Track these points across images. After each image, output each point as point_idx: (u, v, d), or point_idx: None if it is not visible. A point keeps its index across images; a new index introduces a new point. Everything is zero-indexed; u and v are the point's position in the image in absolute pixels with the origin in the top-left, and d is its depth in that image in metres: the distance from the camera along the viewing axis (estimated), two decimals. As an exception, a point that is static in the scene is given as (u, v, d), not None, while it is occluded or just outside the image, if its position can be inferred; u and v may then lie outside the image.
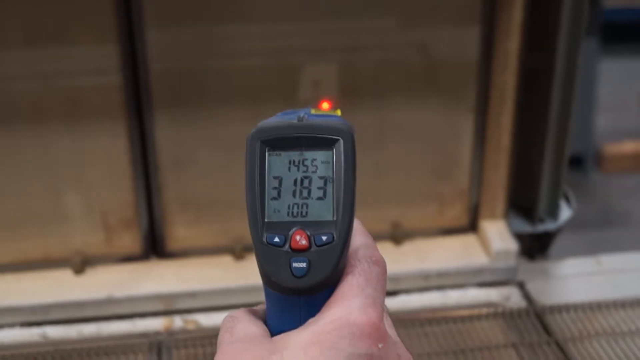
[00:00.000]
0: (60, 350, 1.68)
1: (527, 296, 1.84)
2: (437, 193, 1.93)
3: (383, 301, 0.68)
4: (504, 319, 1.77)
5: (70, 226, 1.84)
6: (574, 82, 1.83)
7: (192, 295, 1.81)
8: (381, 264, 0.69)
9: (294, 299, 0.65)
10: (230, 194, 1.85)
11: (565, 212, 2.02)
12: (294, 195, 0.67)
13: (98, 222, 1.85)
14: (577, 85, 1.84)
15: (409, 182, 1.92)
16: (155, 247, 1.89)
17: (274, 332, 0.68)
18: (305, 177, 0.67)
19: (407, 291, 1.86)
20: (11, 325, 1.75)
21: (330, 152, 0.67)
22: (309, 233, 0.65)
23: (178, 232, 1.88)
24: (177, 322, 1.79)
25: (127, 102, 1.76)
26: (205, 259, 1.88)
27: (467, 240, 1.95)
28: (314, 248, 0.64)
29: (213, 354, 1.69)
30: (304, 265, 0.64)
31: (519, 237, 1.93)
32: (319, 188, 0.67)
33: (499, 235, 1.89)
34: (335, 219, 0.66)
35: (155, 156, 1.80)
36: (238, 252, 1.88)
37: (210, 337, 1.72)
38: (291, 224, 0.65)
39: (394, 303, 1.83)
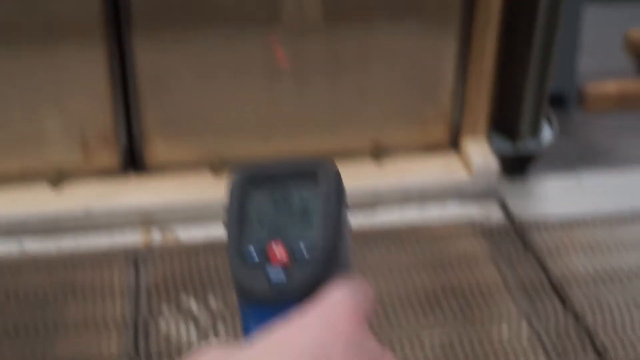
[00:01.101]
0: (38, 262, 1.67)
1: (506, 212, 1.83)
2: (420, 113, 1.92)
3: (364, 309, 0.64)
4: (483, 235, 1.77)
5: (49, 145, 1.82)
6: (560, 2, 1.82)
7: (171, 209, 1.80)
8: (367, 287, 0.66)
9: (270, 312, 0.61)
10: (209, 111, 1.83)
11: (547, 134, 2.01)
12: (276, 222, 0.63)
13: (76, 141, 1.83)
14: (563, 5, 1.82)
15: (391, 103, 1.90)
16: (133, 162, 1.87)
17: None
18: (288, 207, 0.63)
19: (388, 207, 1.85)
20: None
21: (314, 186, 0.63)
22: (288, 248, 0.61)
23: (157, 148, 1.86)
24: (156, 236, 1.77)
25: (106, 21, 1.73)
26: (183, 174, 1.86)
27: (448, 158, 1.94)
28: (293, 263, 0.61)
29: (190, 267, 1.68)
30: (281, 276, 0.60)
31: (501, 157, 1.92)
32: (302, 217, 0.63)
33: (480, 153, 1.88)
34: (318, 239, 0.61)
35: (134, 75, 1.77)
36: (217, 168, 1.87)
37: (187, 250, 1.72)
38: (270, 242, 0.62)
39: (374, 219, 1.83)
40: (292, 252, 0.61)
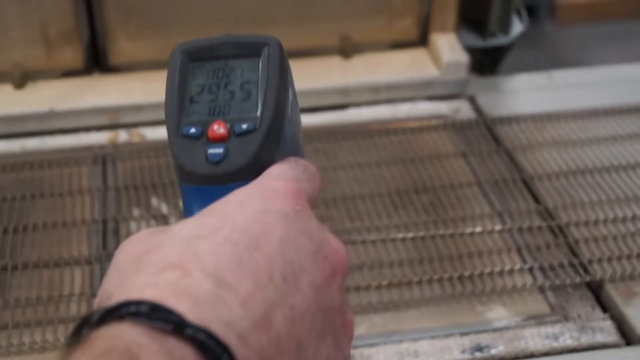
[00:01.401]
0: (2, 164, 1.64)
1: (477, 108, 1.82)
2: (387, 4, 1.88)
3: (306, 190, 0.62)
4: (453, 130, 1.76)
5: (8, 38, 1.77)
6: None
7: (137, 108, 1.77)
8: (313, 170, 0.63)
9: (211, 191, 0.60)
10: (173, 3, 1.79)
11: (517, 27, 1.99)
12: (216, 98, 0.62)
13: (37, 34, 1.78)
14: None
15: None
16: (97, 61, 1.83)
17: None
18: (230, 83, 0.62)
19: (357, 104, 1.83)
20: None
21: (257, 59, 0.62)
22: (228, 124, 0.60)
23: (121, 46, 1.82)
24: (122, 135, 1.75)
25: None
26: (149, 73, 1.82)
27: (417, 54, 1.91)
28: (233, 137, 0.59)
29: (159, 166, 1.66)
30: (220, 151, 0.59)
31: (470, 51, 1.89)
32: (244, 91, 0.62)
33: (449, 48, 1.86)
34: (259, 114, 0.60)
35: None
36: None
37: (156, 149, 1.70)
38: (210, 120, 0.60)
39: (343, 116, 1.81)
40: (231, 127, 0.60)
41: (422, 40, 1.92)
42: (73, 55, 1.81)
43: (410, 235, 1.45)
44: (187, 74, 0.62)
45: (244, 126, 0.60)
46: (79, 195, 1.58)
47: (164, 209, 1.55)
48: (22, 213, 1.52)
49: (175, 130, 0.61)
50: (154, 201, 1.57)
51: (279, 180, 0.58)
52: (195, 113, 0.61)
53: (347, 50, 1.89)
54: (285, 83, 0.62)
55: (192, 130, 0.60)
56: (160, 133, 1.74)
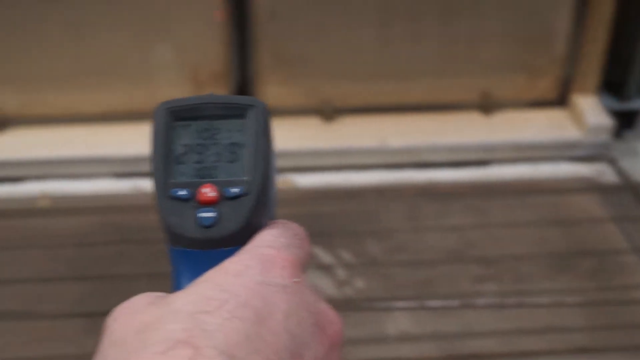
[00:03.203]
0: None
1: (620, 172, 1.82)
2: (529, 63, 1.89)
3: (300, 258, 0.61)
4: (599, 193, 1.76)
5: (158, 78, 1.78)
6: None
7: (284, 154, 1.77)
8: (302, 235, 0.63)
9: (201, 256, 0.58)
10: (323, 53, 1.80)
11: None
12: (202, 159, 0.60)
13: (187, 75, 1.79)
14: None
15: (501, 51, 1.87)
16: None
17: None
18: (215, 143, 0.60)
19: (499, 161, 1.83)
20: (104, 175, 1.71)
21: (242, 121, 0.60)
22: (218, 187, 0.58)
23: (269, 90, 1.83)
24: (270, 181, 1.75)
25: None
26: (294, 119, 1.83)
27: (557, 114, 1.92)
28: (223, 201, 0.57)
29: (312, 214, 1.66)
30: (211, 215, 0.57)
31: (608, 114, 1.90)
32: (231, 153, 0.60)
33: (592, 110, 1.86)
34: (247, 178, 0.58)
35: (251, 6, 1.73)
36: (327, 114, 1.84)
37: (309, 196, 1.70)
38: (199, 182, 0.58)
39: (486, 173, 1.81)
40: (221, 190, 0.58)
41: (560, 100, 1.93)
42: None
43: (579, 300, 1.45)
44: (172, 133, 0.60)
45: (235, 190, 0.58)
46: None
47: (327, 258, 1.54)
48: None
49: (163, 191, 0.58)
50: (317, 251, 1.56)
51: (273, 249, 0.57)
52: (182, 174, 0.59)
53: (487, 106, 1.89)
54: (271, 146, 0.62)
55: (181, 192, 0.58)
56: (310, 180, 1.75)
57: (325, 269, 1.53)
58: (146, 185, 1.71)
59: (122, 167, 1.72)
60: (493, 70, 1.89)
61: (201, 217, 0.57)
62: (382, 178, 1.78)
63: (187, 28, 1.75)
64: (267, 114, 0.59)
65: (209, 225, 0.57)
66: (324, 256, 1.55)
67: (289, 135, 1.80)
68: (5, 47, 1.74)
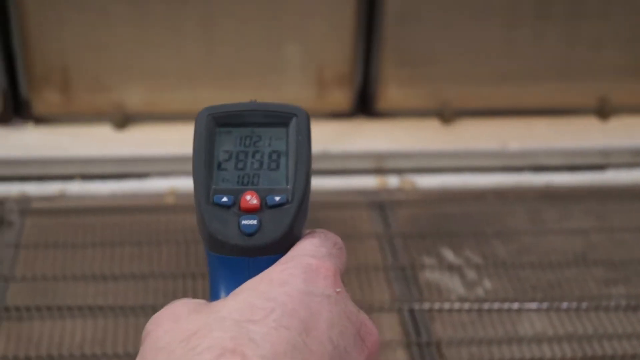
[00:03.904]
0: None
1: None
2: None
3: (340, 268, 0.62)
4: None
5: (285, 77, 1.82)
6: None
7: (405, 155, 1.80)
8: (340, 244, 0.63)
9: (242, 263, 0.58)
10: (447, 55, 1.83)
11: None
12: (244, 167, 0.60)
13: (312, 75, 1.83)
14: None
15: (625, 56, 1.88)
16: (364, 105, 1.87)
17: None
18: (257, 151, 0.61)
19: (616, 166, 1.84)
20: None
21: (284, 130, 0.61)
22: (260, 195, 0.58)
23: (390, 92, 1.86)
24: (392, 181, 1.78)
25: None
26: (413, 120, 1.86)
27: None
28: (265, 209, 0.58)
29: (435, 214, 1.69)
30: (254, 222, 0.57)
31: None
32: (272, 161, 0.60)
33: None
34: (289, 186, 0.59)
35: (382, 8, 1.77)
36: (447, 117, 1.86)
37: (431, 198, 1.73)
38: (241, 189, 0.59)
39: (602, 177, 1.83)
40: (263, 198, 0.58)
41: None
42: (342, 98, 1.85)
43: None
44: (214, 139, 0.62)
45: (277, 198, 0.58)
46: (365, 240, 1.61)
47: (455, 259, 1.57)
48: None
49: (206, 197, 0.58)
50: (445, 251, 1.59)
51: (315, 259, 0.58)
52: (224, 181, 0.60)
53: (604, 111, 1.91)
54: (311, 155, 0.63)
55: (224, 199, 0.58)
56: (428, 182, 1.78)
57: (454, 269, 1.56)
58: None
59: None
60: (613, 75, 1.90)
61: (244, 225, 0.57)
62: (502, 180, 1.80)
63: (316, 27, 1.78)
64: (308, 123, 0.61)
65: (251, 233, 0.57)
66: (452, 257, 1.58)
67: (409, 137, 1.83)
68: (137, 44, 1.78)
